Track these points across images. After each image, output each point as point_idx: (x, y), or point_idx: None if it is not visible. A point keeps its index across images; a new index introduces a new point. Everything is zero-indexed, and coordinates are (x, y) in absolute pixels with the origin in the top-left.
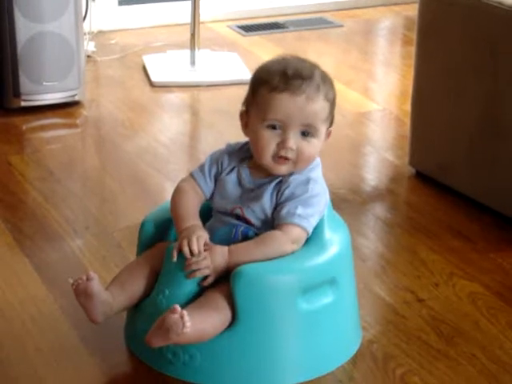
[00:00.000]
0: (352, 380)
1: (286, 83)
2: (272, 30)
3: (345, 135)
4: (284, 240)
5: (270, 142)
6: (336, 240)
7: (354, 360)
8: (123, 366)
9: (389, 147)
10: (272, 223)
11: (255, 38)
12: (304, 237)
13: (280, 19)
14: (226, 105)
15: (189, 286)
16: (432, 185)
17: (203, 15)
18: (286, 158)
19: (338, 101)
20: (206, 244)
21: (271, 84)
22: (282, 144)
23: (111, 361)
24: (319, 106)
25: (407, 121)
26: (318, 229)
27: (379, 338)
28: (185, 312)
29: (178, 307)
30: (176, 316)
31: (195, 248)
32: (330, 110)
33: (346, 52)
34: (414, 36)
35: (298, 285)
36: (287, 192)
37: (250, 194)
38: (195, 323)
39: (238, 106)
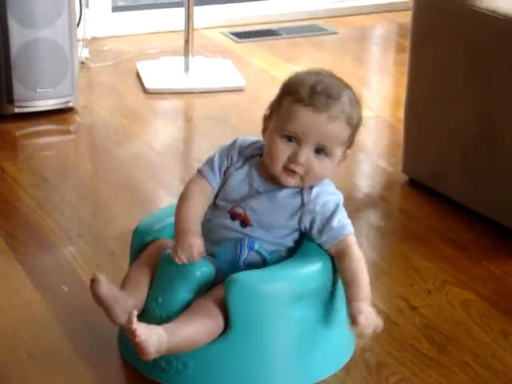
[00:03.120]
0: None
1: (312, 98)
2: (266, 37)
3: None
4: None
5: (282, 152)
6: None
7: (347, 368)
8: (116, 373)
9: (382, 154)
10: (268, 228)
11: (249, 45)
12: None
13: (274, 26)
14: (219, 111)
15: (182, 294)
16: (425, 192)
17: (197, 22)
18: (295, 172)
19: None
20: (199, 252)
21: (297, 96)
22: (293, 157)
23: (104, 368)
24: (339, 128)
25: (400, 128)
26: (311, 238)
27: (372, 345)
28: (132, 323)
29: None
30: (131, 332)
31: (183, 257)
32: (351, 135)
33: (339, 59)
34: (407, 43)
35: (291, 292)
36: (318, 207)
37: (258, 197)
38: (184, 332)
39: (231, 113)
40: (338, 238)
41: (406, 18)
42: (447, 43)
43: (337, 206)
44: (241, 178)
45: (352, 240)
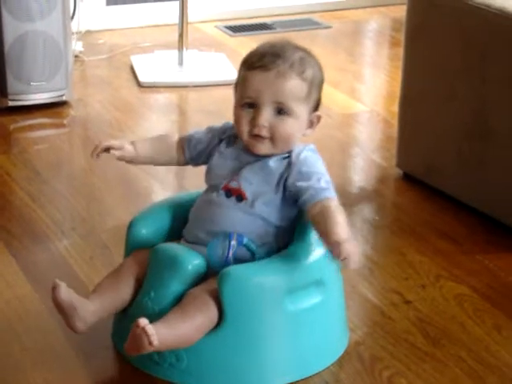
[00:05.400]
0: (338, 381)
1: (260, 61)
2: (260, 31)
3: (332, 136)
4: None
5: (243, 120)
6: None
7: (341, 361)
8: (110, 366)
9: (376, 149)
10: (265, 196)
11: (243, 39)
12: None
13: (268, 20)
14: (213, 105)
15: (174, 287)
16: (419, 187)
17: (191, 15)
18: (260, 136)
19: (325, 102)
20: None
21: (248, 63)
22: (253, 121)
23: (98, 361)
24: (292, 83)
25: (394, 122)
26: (304, 230)
27: (366, 339)
28: (148, 326)
29: (140, 321)
30: (138, 331)
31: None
32: (309, 91)
33: (333, 53)
34: (401, 37)
35: (284, 286)
36: (299, 160)
37: (250, 166)
38: (174, 335)
39: (225, 107)
40: (319, 196)
41: (401, 12)
42: (442, 37)
43: (320, 168)
44: (231, 154)
45: (334, 203)
